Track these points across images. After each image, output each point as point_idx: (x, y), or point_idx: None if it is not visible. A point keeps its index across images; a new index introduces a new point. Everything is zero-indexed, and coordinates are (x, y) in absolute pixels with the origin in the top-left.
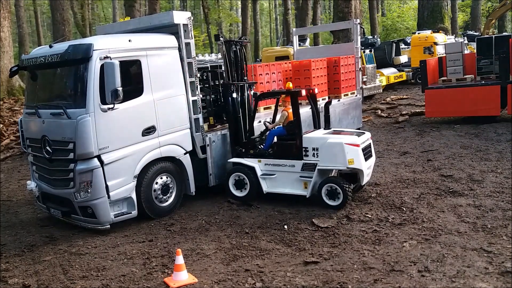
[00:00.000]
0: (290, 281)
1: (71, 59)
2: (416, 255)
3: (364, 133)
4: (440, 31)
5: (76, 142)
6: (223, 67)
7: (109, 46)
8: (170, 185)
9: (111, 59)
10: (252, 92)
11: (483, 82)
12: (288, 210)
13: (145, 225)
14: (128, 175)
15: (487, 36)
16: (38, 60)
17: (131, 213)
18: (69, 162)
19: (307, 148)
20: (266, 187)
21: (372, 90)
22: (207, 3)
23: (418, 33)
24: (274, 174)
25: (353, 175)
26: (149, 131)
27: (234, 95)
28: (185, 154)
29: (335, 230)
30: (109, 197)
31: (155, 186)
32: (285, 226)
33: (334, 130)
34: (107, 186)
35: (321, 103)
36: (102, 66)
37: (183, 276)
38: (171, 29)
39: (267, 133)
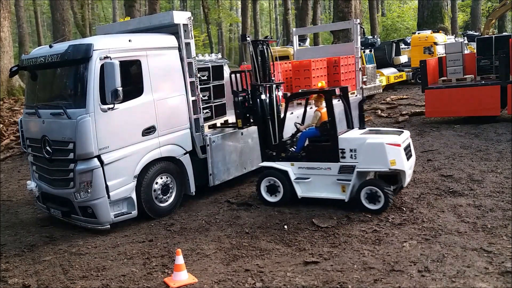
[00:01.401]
0: (290, 281)
1: (71, 59)
2: (416, 255)
3: (403, 131)
4: (440, 31)
5: (76, 142)
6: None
7: (109, 46)
8: (170, 185)
9: (111, 59)
10: (280, 93)
11: (483, 82)
12: (288, 210)
13: (145, 225)
14: (128, 175)
15: (487, 36)
16: (38, 60)
17: (131, 213)
18: (69, 162)
19: (344, 149)
20: (300, 191)
21: (372, 90)
22: (207, 3)
23: (418, 33)
24: (308, 178)
25: (392, 175)
26: (149, 131)
27: (263, 96)
28: (185, 154)
29: (335, 230)
30: (109, 197)
31: (155, 186)
32: (285, 226)
33: (370, 130)
34: (107, 186)
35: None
36: (102, 66)
37: (183, 276)
38: (171, 29)
39: (298, 134)
